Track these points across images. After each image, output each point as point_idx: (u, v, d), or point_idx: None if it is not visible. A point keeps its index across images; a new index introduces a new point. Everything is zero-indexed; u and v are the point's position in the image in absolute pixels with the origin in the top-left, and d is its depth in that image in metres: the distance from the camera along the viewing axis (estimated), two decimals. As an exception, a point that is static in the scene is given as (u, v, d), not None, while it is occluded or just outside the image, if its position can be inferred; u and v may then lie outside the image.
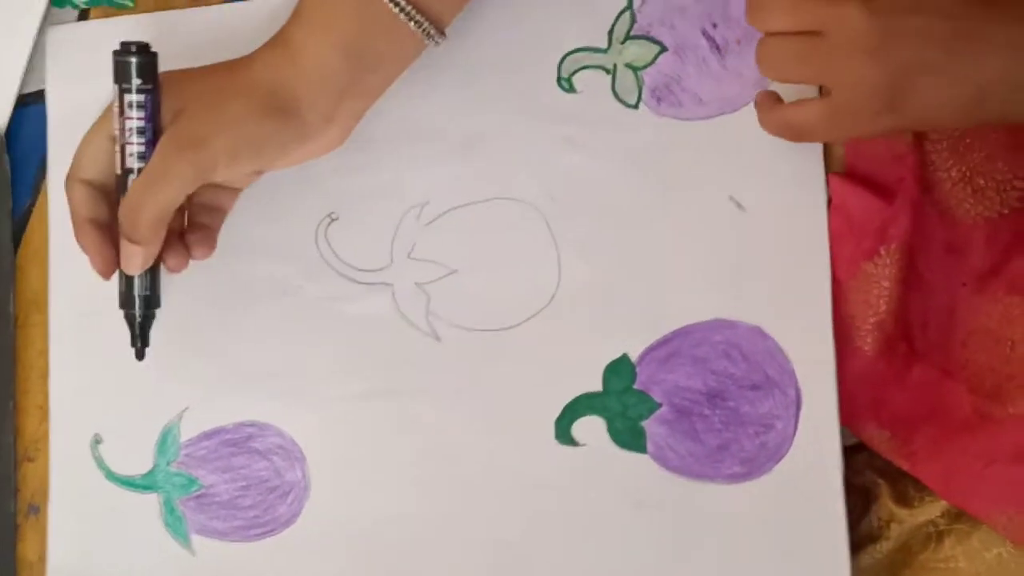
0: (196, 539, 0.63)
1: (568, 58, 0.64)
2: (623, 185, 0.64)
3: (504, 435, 0.63)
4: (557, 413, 0.63)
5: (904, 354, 0.62)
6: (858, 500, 0.64)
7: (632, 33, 0.64)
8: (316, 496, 0.63)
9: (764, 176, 0.63)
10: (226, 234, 0.62)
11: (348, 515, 0.63)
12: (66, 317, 0.65)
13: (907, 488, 0.63)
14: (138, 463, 0.64)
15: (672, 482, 0.63)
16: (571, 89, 0.64)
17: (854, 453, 0.65)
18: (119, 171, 0.58)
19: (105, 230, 0.59)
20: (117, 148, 0.58)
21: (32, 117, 0.66)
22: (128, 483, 0.64)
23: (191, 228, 0.61)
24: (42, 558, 0.64)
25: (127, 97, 0.57)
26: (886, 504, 0.63)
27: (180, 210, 0.59)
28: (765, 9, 0.56)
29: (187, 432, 0.64)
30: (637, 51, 0.64)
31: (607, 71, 0.64)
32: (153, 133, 0.57)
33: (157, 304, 0.60)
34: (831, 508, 0.61)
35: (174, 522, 0.63)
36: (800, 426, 0.62)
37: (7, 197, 0.65)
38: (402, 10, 0.57)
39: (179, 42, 0.63)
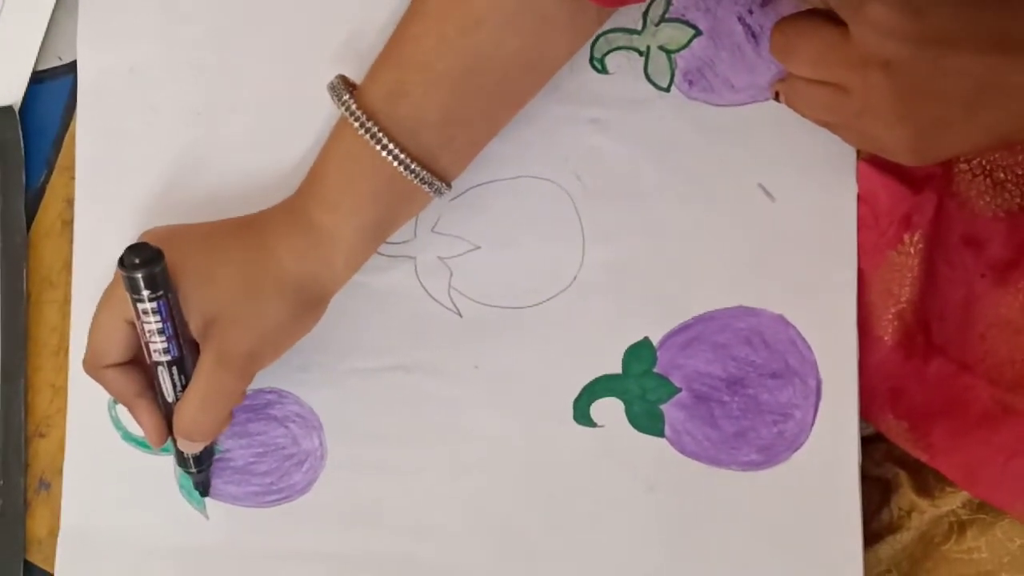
0: (210, 503, 0.64)
1: (602, 38, 0.64)
2: (651, 168, 0.63)
3: (522, 413, 0.63)
4: (576, 393, 0.63)
5: (922, 346, 0.62)
6: (877, 491, 0.64)
7: (667, 15, 0.64)
8: (332, 466, 0.63)
9: (795, 165, 0.63)
10: (252, 207, 0.61)
11: (362, 486, 0.63)
12: (89, 284, 0.64)
13: (928, 478, 0.63)
14: (154, 425, 0.64)
15: (688, 467, 0.63)
16: (603, 70, 0.64)
17: (873, 444, 0.65)
18: (148, 361, 0.58)
19: (153, 400, 0.59)
20: (143, 344, 0.57)
21: (47, 93, 0.66)
22: (144, 444, 0.63)
23: None
24: (52, 534, 0.64)
25: (140, 305, 0.56)
26: (907, 494, 0.63)
27: None
28: (790, 53, 0.57)
29: (204, 397, 0.64)
30: (671, 34, 0.64)
31: (640, 53, 0.64)
32: (173, 329, 0.56)
33: (211, 455, 0.62)
34: (846, 499, 0.62)
35: (189, 485, 0.63)
36: (819, 416, 0.62)
37: (20, 174, 0.65)
38: (424, 181, 0.57)
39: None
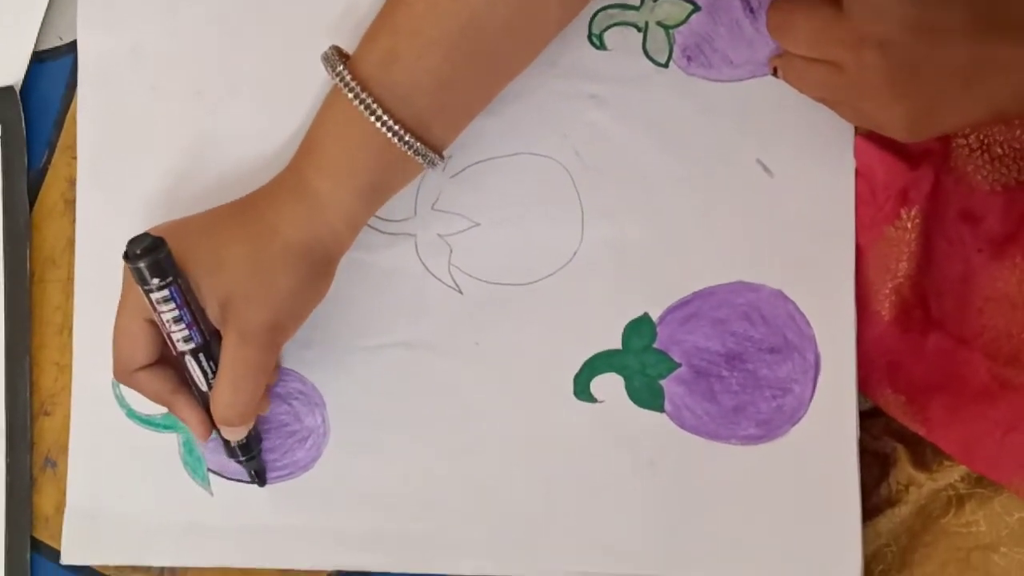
0: (214, 479, 0.64)
1: (600, 14, 0.64)
2: (650, 144, 0.63)
3: (522, 389, 0.64)
4: (576, 369, 0.63)
5: (920, 321, 0.62)
6: (875, 465, 0.64)
7: (666, -9, 0.64)
8: (334, 443, 0.64)
9: (793, 141, 0.63)
10: (253, 185, 0.61)
11: (364, 463, 0.64)
12: (92, 263, 0.65)
13: (926, 452, 0.63)
14: (158, 403, 0.65)
15: (688, 441, 0.63)
16: (602, 46, 0.64)
17: (872, 418, 0.65)
18: (175, 353, 0.58)
19: (191, 395, 0.59)
20: (166, 336, 0.58)
21: (48, 74, 0.66)
22: (148, 422, 0.64)
23: None
24: (58, 510, 0.64)
25: (152, 295, 0.56)
26: (905, 468, 0.64)
27: None
28: (786, 31, 0.57)
29: (208, 375, 0.65)
30: (669, 9, 0.64)
31: (638, 29, 0.64)
32: (191, 315, 0.57)
33: (259, 441, 0.63)
34: (845, 473, 0.62)
35: (193, 462, 0.64)
36: (817, 391, 0.62)
37: (22, 154, 0.65)
38: (416, 152, 0.58)
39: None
